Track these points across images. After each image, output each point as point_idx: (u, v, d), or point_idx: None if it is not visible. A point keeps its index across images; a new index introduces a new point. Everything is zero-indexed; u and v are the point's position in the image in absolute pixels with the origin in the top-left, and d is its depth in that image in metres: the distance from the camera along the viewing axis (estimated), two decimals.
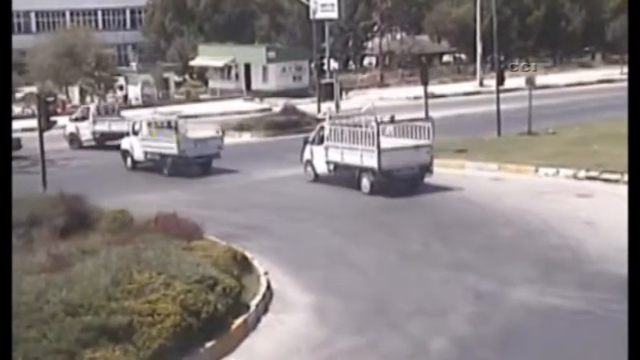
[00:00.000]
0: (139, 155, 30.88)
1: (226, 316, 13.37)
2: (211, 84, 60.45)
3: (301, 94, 52.36)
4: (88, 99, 55.61)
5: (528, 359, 12.46)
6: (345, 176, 25.22)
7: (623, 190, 19.79)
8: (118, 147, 32.75)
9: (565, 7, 69.34)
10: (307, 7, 50.68)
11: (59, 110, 43.38)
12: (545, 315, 13.96)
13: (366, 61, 73.58)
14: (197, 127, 31.76)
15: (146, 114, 34.75)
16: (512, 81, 41.67)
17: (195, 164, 29.31)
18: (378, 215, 22.12)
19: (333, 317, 14.26)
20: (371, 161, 23.99)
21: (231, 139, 38.92)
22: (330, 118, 27.75)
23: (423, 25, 71.54)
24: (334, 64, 51.38)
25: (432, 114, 30.70)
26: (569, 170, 25.43)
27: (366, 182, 24.38)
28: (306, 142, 27.03)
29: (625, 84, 20.50)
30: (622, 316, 11.05)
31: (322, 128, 26.37)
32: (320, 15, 48.93)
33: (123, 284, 13.04)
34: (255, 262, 16.84)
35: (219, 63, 58.70)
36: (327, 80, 49.56)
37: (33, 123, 28.23)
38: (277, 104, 47.68)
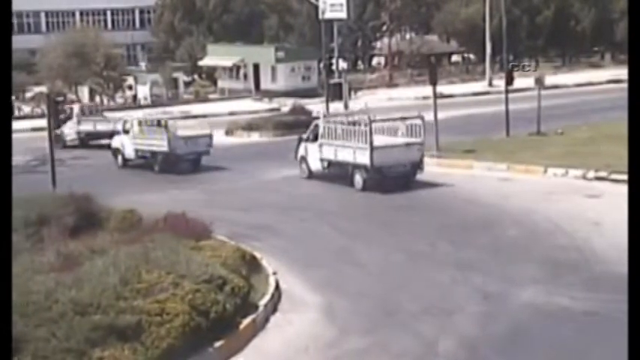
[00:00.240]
0: (129, 153, 31.79)
1: (235, 316, 13.40)
2: (220, 84, 60.55)
3: (310, 94, 52.40)
4: (97, 98, 55.83)
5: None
6: (338, 173, 25.79)
7: None
8: (101, 146, 34.12)
9: (574, 7, 69.17)
10: (316, 7, 50.69)
11: (68, 110, 43.53)
12: (553, 315, 13.94)
13: (374, 61, 73.58)
14: (187, 126, 32.77)
15: (137, 114, 35.77)
16: (522, 81, 41.59)
17: (185, 161, 30.22)
18: (387, 215, 22.10)
19: (341, 315, 14.28)
20: (363, 158, 24.54)
21: (239, 138, 39.13)
22: (325, 116, 28.38)
23: (432, 25, 71.53)
24: (343, 64, 51.37)
25: (441, 114, 30.77)
26: (578, 171, 25.38)
27: (358, 179, 24.94)
28: (300, 139, 27.67)
29: None
30: None
31: (316, 126, 26.97)
32: (329, 15, 48.93)
33: (132, 284, 13.08)
34: (264, 262, 16.88)
35: (228, 63, 58.79)
36: (335, 80, 49.58)
37: (41, 122, 28.49)
38: (286, 104, 47.74)
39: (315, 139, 26.58)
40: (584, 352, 12.52)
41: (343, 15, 49.04)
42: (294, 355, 12.85)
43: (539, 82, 34.24)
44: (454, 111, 40.04)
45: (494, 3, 55.80)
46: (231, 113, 48.00)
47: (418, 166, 25.27)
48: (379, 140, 24.89)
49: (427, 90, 36.25)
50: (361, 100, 47.86)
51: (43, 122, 27.58)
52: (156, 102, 54.15)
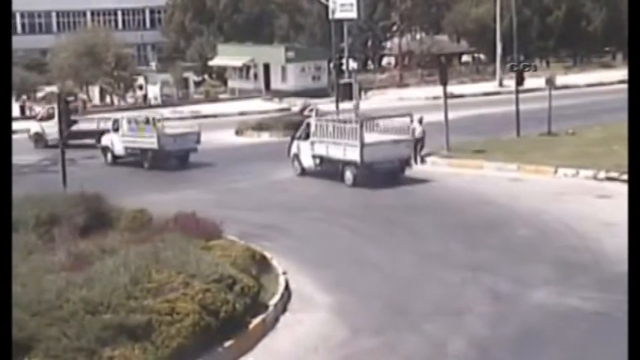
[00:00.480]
0: (119, 150, 32.78)
1: (244, 316, 13.41)
2: (230, 84, 60.61)
3: (320, 94, 52.37)
4: (107, 98, 56.00)
5: None
6: (329, 169, 26.54)
7: None
8: (85, 146, 35.46)
9: (586, 7, 68.91)
10: (326, 7, 50.71)
11: (79, 110, 43.78)
12: (564, 316, 13.90)
13: (384, 61, 73.49)
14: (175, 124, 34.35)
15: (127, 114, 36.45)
16: (532, 81, 41.47)
17: (174, 158, 31.19)
18: (396, 216, 22.08)
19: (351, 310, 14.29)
20: (354, 155, 25.34)
21: (249, 138, 39.16)
22: (317, 114, 29.24)
23: (443, 25, 71.40)
24: (353, 64, 51.34)
25: (451, 114, 30.76)
26: (588, 171, 25.29)
27: (349, 175, 25.73)
28: (293, 137, 28.54)
29: None
30: None
31: (308, 125, 27.75)
32: (339, 15, 48.94)
33: (142, 283, 13.11)
34: (274, 262, 16.89)
35: (239, 63, 58.85)
36: (345, 80, 49.53)
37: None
38: (296, 104, 47.74)
39: (307, 137, 27.37)
40: (596, 353, 12.48)
41: (353, 15, 49.03)
42: (304, 355, 12.85)
43: (550, 82, 34.13)
44: (464, 111, 39.96)
45: (505, 3, 55.66)
46: (242, 113, 48.04)
47: (407, 162, 26.07)
48: (369, 137, 25.65)
49: (437, 90, 36.17)
50: (379, 100, 47.87)
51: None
52: (166, 102, 54.27)
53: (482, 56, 70.56)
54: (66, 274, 13.48)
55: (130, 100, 56.05)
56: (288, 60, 56.59)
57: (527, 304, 14.61)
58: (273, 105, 51.95)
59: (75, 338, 11.56)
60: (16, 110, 47.59)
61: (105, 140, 33.64)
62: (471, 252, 17.98)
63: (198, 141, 31.61)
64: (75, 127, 38.57)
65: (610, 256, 17.07)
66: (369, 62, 71.56)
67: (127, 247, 15.05)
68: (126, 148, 32.43)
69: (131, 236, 16.13)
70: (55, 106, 41.35)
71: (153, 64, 63.92)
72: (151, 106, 52.57)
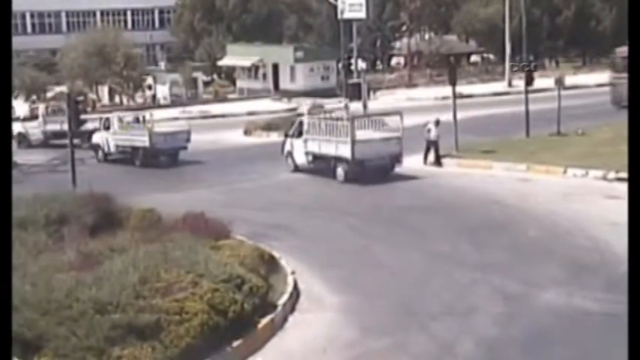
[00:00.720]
0: (110, 148, 33.67)
1: (253, 316, 13.42)
2: (239, 84, 60.66)
3: (329, 94, 52.36)
4: (117, 98, 56.12)
5: None
6: (321, 166, 27.31)
7: None
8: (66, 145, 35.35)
9: (595, 7, 68.71)
10: (335, 7, 50.71)
11: (89, 109, 43.94)
12: (573, 317, 13.87)
13: (393, 61, 73.43)
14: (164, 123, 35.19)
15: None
16: (542, 81, 41.36)
17: (165, 155, 32.08)
18: (405, 217, 22.05)
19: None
20: (345, 152, 26.02)
21: (258, 138, 39.18)
22: (309, 112, 30.17)
23: (452, 25, 71.31)
24: (362, 64, 51.27)
25: (460, 114, 30.73)
26: (598, 171, 25.21)
27: (340, 171, 26.49)
28: (286, 135, 29.36)
29: None
30: None
31: (301, 123, 28.47)
32: (348, 15, 48.95)
33: (151, 283, 13.13)
34: (282, 262, 16.90)
35: (247, 63, 58.89)
36: (354, 80, 49.51)
37: None
38: (305, 104, 47.71)
39: (300, 135, 28.14)
40: (605, 354, 12.44)
41: (362, 15, 49.03)
42: (313, 355, 12.85)
43: (559, 82, 34.05)
44: (473, 111, 39.88)
45: (514, 3, 55.56)
46: (250, 113, 48.08)
47: (397, 159, 26.69)
48: (360, 134, 26.36)
49: (446, 90, 36.15)
50: (388, 100, 47.83)
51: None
52: (175, 102, 54.37)
53: (491, 56, 70.44)
54: (75, 274, 13.52)
55: (139, 100, 56.16)
56: (296, 60, 56.60)
57: (536, 305, 14.57)
58: (282, 105, 51.97)
59: (84, 337, 11.60)
60: (25, 110, 47.74)
61: (96, 138, 34.53)
62: (480, 252, 17.95)
63: (188, 139, 32.47)
64: (58, 127, 39.24)
65: (619, 256, 16.99)
66: (378, 62, 71.50)
67: (136, 246, 15.09)
68: (117, 146, 33.31)
69: (140, 236, 16.16)
70: (41, 106, 42.08)
71: (162, 64, 64.02)
72: (160, 106, 52.68)
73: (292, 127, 29.26)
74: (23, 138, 39.99)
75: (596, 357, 12.48)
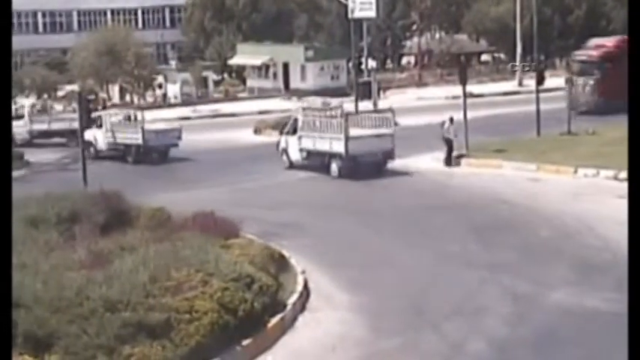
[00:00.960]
0: (102, 145, 34.36)
1: (263, 314, 13.44)
2: (249, 83, 60.68)
3: (339, 93, 52.32)
4: (127, 97, 56.25)
5: None
6: (316, 162, 27.92)
7: None
8: (55, 145, 36.86)
9: (606, 7, 68.42)
10: (345, 6, 50.63)
11: (99, 108, 44.05)
12: (584, 317, 13.84)
13: (404, 61, 73.28)
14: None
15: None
16: (553, 81, 41.24)
17: (156, 152, 33.02)
18: (417, 216, 22.02)
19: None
20: (339, 148, 26.68)
21: (268, 137, 39.13)
22: (303, 110, 30.80)
23: (462, 24, 71.05)
24: (372, 63, 51.23)
25: (471, 114, 30.65)
26: (609, 171, 25.11)
27: (334, 167, 27.15)
28: (281, 133, 30.28)
29: None
30: None
31: (296, 120, 29.22)
32: (358, 14, 48.85)
33: (161, 281, 13.17)
34: (292, 261, 16.90)
35: (258, 62, 58.90)
36: (364, 79, 49.47)
37: None
38: (315, 103, 47.69)
39: (294, 132, 28.83)
40: (616, 354, 12.40)
41: (372, 14, 48.94)
42: (323, 354, 12.86)
43: (570, 81, 33.94)
44: (484, 110, 39.77)
45: (525, 2, 55.34)
46: (261, 112, 48.11)
47: (389, 155, 27.27)
48: (353, 131, 27.08)
49: (457, 89, 36.11)
50: (398, 99, 47.74)
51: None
52: (186, 101, 54.43)
53: (502, 55, 70.21)
54: (86, 272, 13.57)
55: (150, 99, 56.28)
56: (307, 59, 56.58)
57: (547, 305, 14.54)
58: (292, 104, 51.94)
59: (95, 336, 11.65)
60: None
61: (87, 135, 34.69)
62: (490, 252, 17.92)
63: (179, 137, 33.38)
64: (45, 127, 39.43)
65: None
66: (388, 61, 71.38)
67: (146, 245, 15.13)
68: (109, 144, 33.94)
69: (150, 234, 16.20)
70: (27, 105, 42.16)
71: (172, 63, 64.09)
72: (170, 105, 52.78)
73: (287, 124, 30.05)
74: None
75: (607, 357, 12.44)
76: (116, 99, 56.17)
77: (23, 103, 47.67)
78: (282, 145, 29.70)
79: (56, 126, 39.01)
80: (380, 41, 65.98)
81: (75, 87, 52.02)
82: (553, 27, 64.63)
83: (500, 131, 33.90)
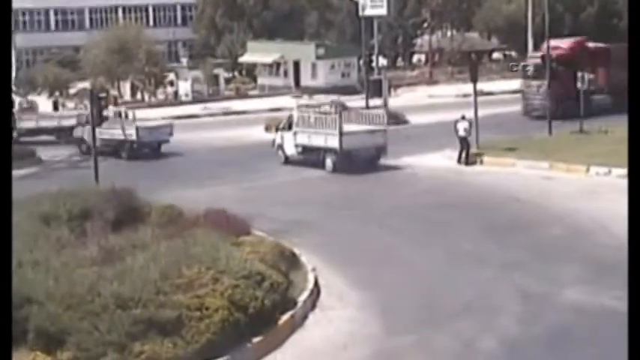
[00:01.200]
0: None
1: (273, 312, 13.43)
2: (260, 80, 60.68)
3: (350, 90, 52.28)
4: (138, 95, 56.35)
5: None
6: (311, 157, 28.49)
7: None
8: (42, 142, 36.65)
9: (618, 4, 68.09)
10: (356, 4, 50.49)
11: (110, 105, 44.12)
12: (597, 316, 13.77)
13: (415, 58, 73.14)
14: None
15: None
16: None
17: (149, 148, 33.87)
18: (428, 213, 21.96)
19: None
20: (334, 143, 27.31)
21: None
22: (298, 107, 31.50)
23: (473, 21, 70.86)
24: (383, 61, 51.09)
25: (482, 112, 30.55)
26: (621, 169, 24.97)
27: (329, 162, 27.75)
28: (277, 129, 30.84)
29: None
30: None
31: (291, 116, 29.78)
32: (369, 12, 48.71)
33: (172, 278, 13.17)
34: (303, 258, 16.89)
35: (269, 59, 58.89)
36: (375, 77, 49.37)
37: None
38: (326, 101, 47.65)
39: (290, 128, 29.35)
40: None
41: (383, 12, 48.77)
42: (333, 352, 12.84)
43: (581, 79, 33.78)
44: (495, 108, 39.64)
45: (537, 0, 55.17)
46: (271, 109, 48.11)
47: (382, 150, 27.88)
48: (347, 127, 27.72)
49: (468, 87, 35.97)
50: (410, 97, 47.66)
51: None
52: (197, 98, 54.48)
53: (513, 53, 69.98)
54: (97, 269, 13.60)
55: (161, 97, 56.35)
56: (318, 57, 56.54)
57: (560, 303, 14.47)
58: (303, 102, 51.89)
59: (106, 332, 11.66)
60: (49, 106, 48.08)
61: (78, 132, 35.57)
62: (503, 250, 17.86)
63: (171, 133, 34.10)
64: (33, 125, 39.32)
65: None
66: (399, 59, 71.25)
67: (158, 242, 15.14)
68: (102, 140, 33.54)
69: (161, 231, 16.20)
70: (16, 102, 42.25)
71: (184, 61, 64.13)
72: (181, 103, 52.82)
73: (283, 121, 30.59)
74: None
75: (620, 356, 12.37)
76: (127, 96, 56.27)
77: (36, 100, 47.95)
78: (278, 140, 30.23)
79: (45, 123, 38.85)
80: (391, 39, 65.87)
81: (87, 84, 52.13)
82: (564, 25, 64.31)
83: (511, 129, 33.79)
